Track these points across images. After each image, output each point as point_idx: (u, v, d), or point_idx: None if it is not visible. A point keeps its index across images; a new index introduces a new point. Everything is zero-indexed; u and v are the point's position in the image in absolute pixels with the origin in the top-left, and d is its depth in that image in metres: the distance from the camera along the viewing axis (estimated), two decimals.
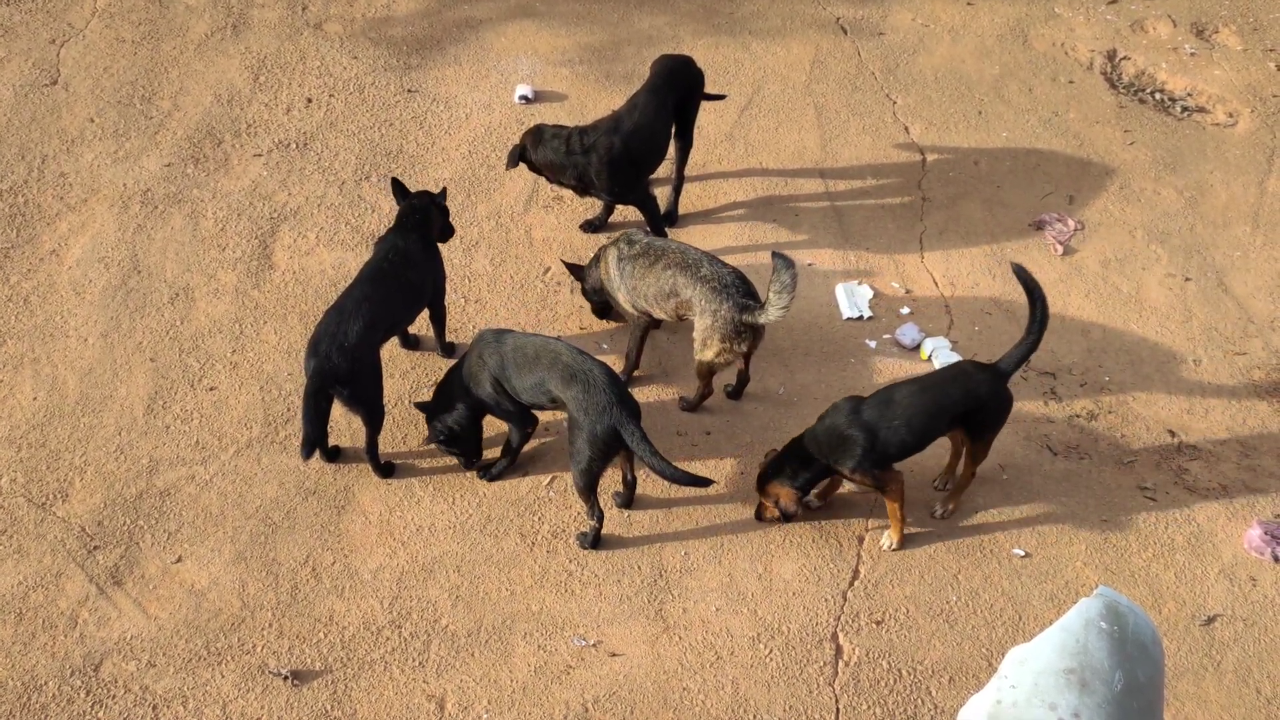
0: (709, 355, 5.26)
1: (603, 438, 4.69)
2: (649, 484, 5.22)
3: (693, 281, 5.17)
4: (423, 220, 5.36)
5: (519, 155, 5.94)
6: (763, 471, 4.98)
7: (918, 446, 4.90)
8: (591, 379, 4.72)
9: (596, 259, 5.55)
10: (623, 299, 5.43)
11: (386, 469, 5.19)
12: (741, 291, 5.16)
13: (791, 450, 4.93)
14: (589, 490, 4.85)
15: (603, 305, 5.74)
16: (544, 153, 5.87)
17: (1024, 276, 4.98)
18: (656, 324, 5.56)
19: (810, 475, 4.91)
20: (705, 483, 4.81)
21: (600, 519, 4.94)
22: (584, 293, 5.72)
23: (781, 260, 4.95)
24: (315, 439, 4.92)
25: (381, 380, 5.07)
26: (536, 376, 4.86)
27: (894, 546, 5.03)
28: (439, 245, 5.46)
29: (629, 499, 5.15)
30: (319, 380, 4.83)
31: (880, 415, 4.80)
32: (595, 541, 4.96)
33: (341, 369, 4.83)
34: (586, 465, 4.76)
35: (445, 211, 5.54)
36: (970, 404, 4.88)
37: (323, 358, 4.82)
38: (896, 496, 4.92)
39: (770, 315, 5.03)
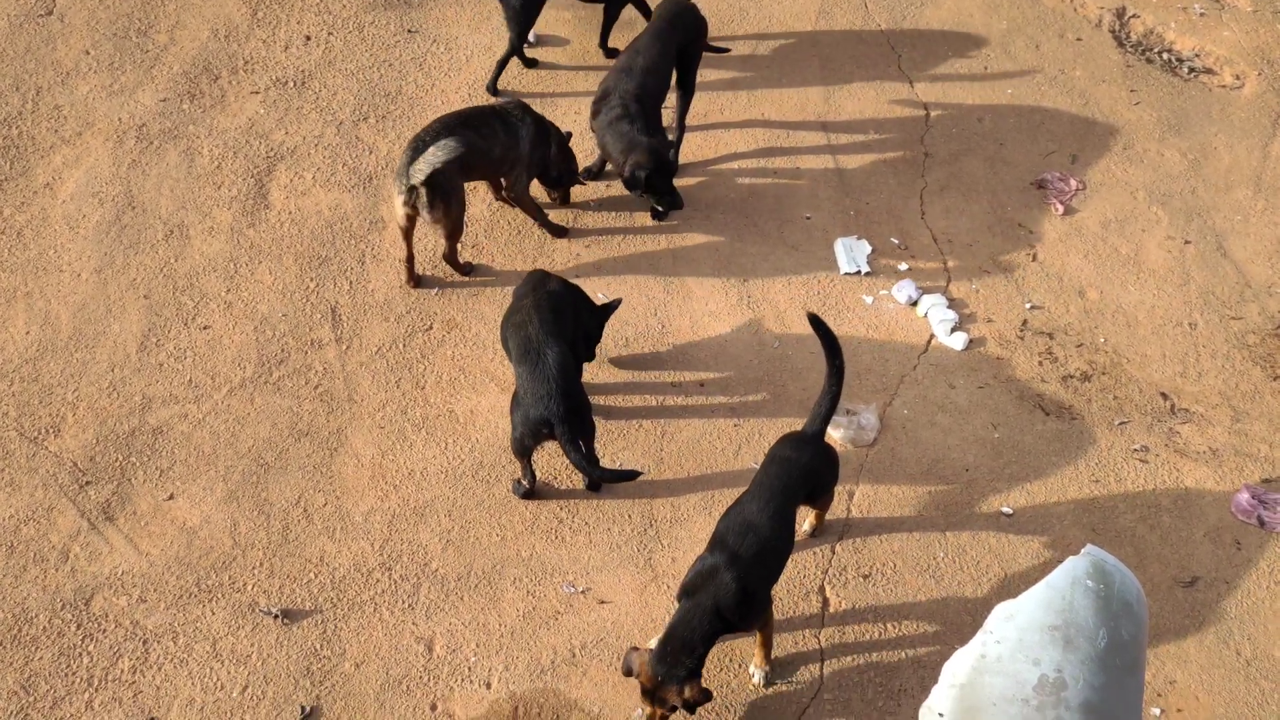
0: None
1: (534, 422, 4.71)
2: (640, 434, 5.23)
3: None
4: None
5: (644, 178, 5.78)
6: (645, 684, 4.14)
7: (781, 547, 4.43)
8: (543, 364, 4.73)
9: None
10: None
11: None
12: (407, 160, 5.36)
13: (675, 639, 4.13)
14: (520, 455, 4.88)
15: None
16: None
17: (821, 329, 4.61)
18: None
19: (706, 649, 4.16)
20: (632, 475, 4.74)
21: (532, 480, 4.95)
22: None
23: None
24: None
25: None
26: (510, 332, 4.95)
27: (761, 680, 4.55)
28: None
29: (529, 491, 4.99)
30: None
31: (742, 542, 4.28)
32: (528, 495, 4.97)
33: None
34: (519, 435, 4.78)
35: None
36: (812, 481, 4.57)
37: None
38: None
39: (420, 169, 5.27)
